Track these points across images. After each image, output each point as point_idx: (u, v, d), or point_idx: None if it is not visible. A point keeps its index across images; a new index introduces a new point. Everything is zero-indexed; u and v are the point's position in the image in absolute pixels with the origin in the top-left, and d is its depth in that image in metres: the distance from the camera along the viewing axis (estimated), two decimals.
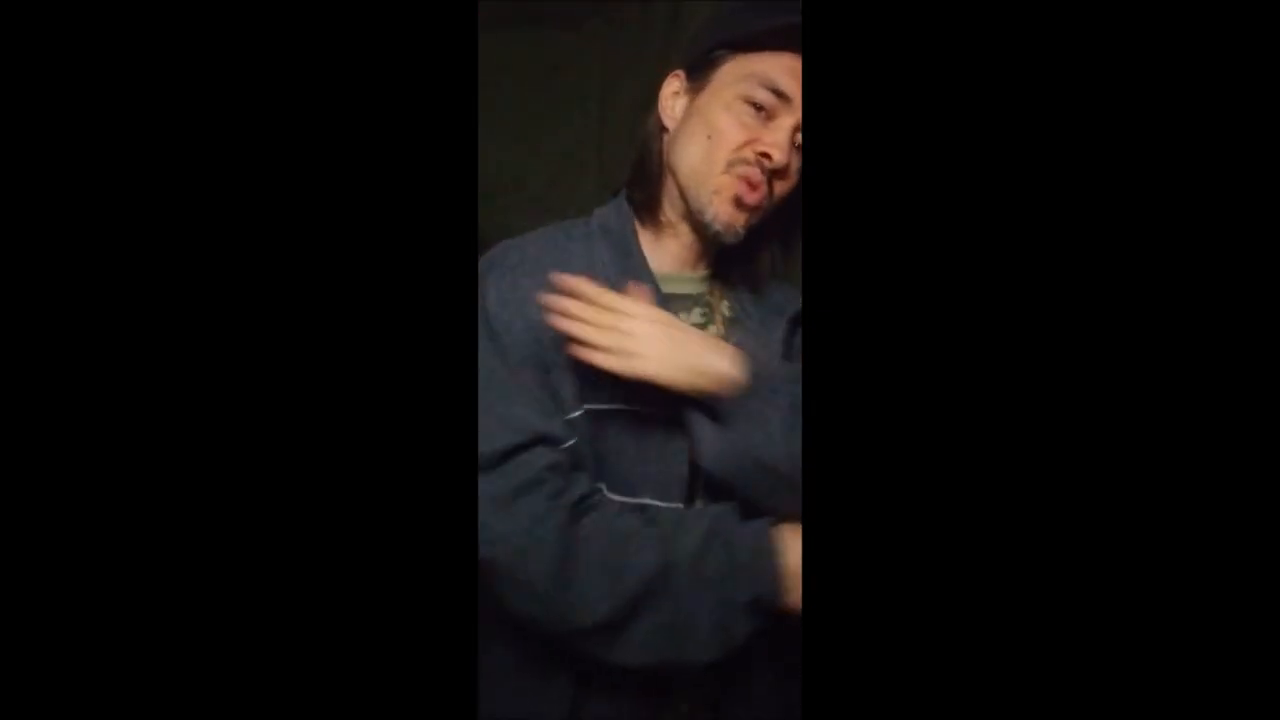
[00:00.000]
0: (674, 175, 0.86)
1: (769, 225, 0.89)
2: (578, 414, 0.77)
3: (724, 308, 0.90)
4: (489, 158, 0.92)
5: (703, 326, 0.86)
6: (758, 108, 0.81)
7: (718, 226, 0.83)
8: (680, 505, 0.78)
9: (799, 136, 0.82)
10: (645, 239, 0.88)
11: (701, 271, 0.90)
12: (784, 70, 0.81)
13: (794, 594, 0.72)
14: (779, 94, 0.81)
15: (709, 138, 0.82)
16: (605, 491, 0.78)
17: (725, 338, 0.86)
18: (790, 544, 0.73)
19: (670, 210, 0.87)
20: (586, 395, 0.78)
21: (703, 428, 0.76)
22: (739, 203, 0.82)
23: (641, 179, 0.88)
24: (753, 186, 0.81)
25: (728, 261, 0.92)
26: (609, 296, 0.75)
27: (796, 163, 0.84)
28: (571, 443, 0.76)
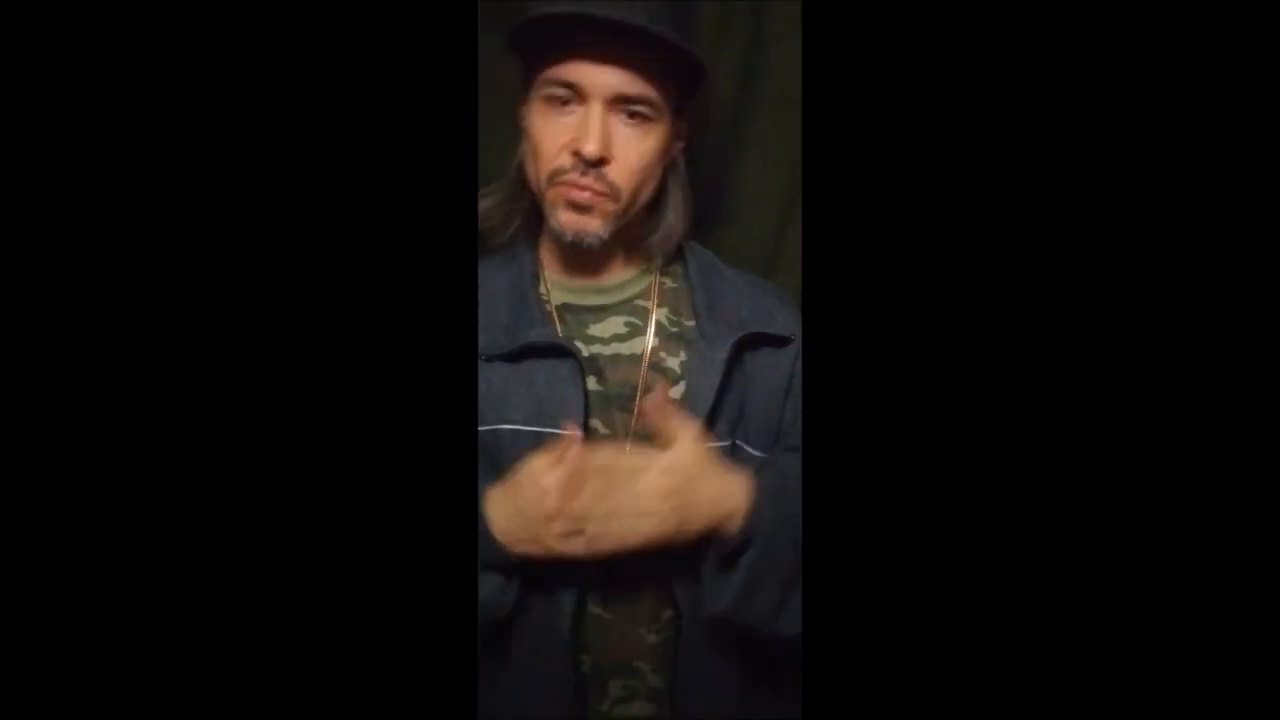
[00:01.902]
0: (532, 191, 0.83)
1: (657, 201, 0.84)
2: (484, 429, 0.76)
3: (662, 316, 0.85)
4: (489, 157, 0.92)
5: (626, 339, 0.83)
6: (561, 104, 0.77)
7: (570, 237, 0.79)
8: None
9: (615, 113, 0.77)
10: (549, 258, 0.85)
11: (629, 273, 0.86)
12: (571, 62, 0.76)
13: (508, 535, 0.70)
14: (569, 86, 0.76)
15: (531, 152, 0.80)
16: None
17: (661, 350, 0.83)
18: (493, 503, 0.72)
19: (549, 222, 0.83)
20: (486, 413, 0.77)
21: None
22: (574, 206, 0.78)
23: (509, 197, 0.85)
24: (577, 188, 0.77)
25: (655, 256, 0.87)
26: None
27: (639, 137, 0.78)
28: None
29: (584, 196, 0.78)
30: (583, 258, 0.84)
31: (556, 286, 0.85)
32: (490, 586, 0.73)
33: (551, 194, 0.79)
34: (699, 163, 1.06)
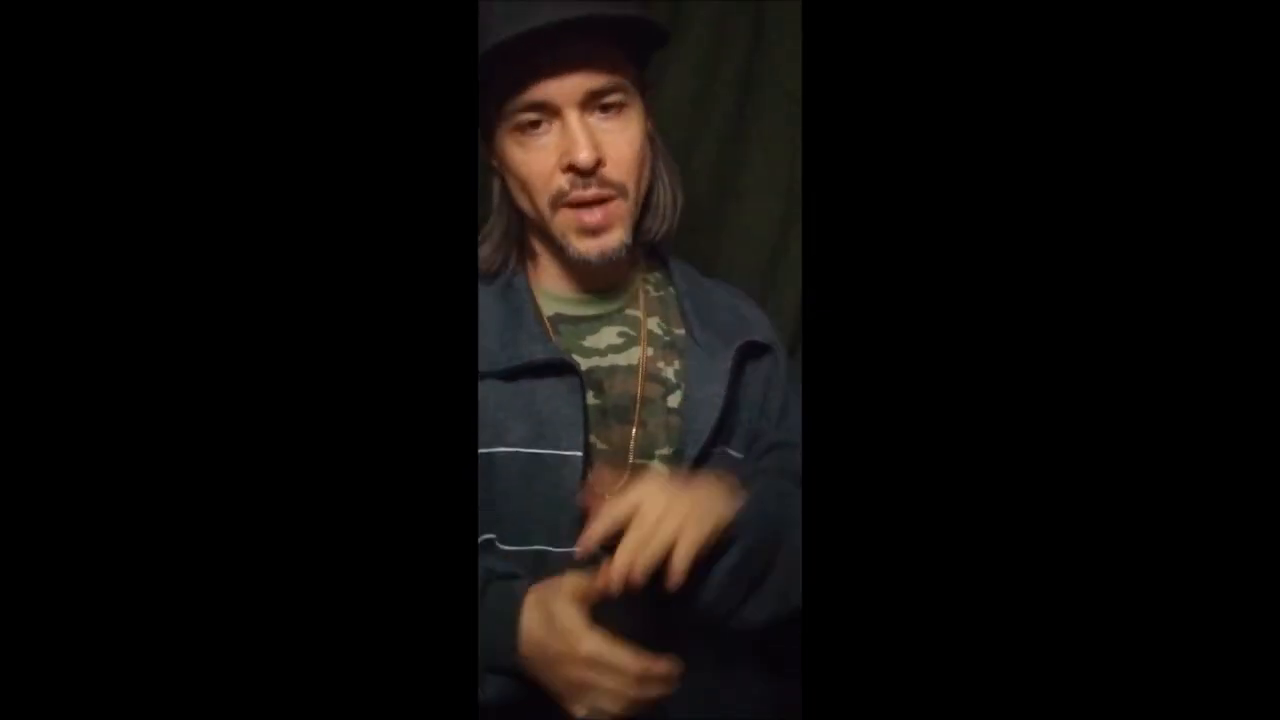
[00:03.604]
0: (529, 224, 0.80)
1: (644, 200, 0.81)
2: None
3: (654, 325, 0.83)
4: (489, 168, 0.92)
5: (621, 349, 0.81)
6: (533, 126, 0.74)
7: (596, 261, 0.76)
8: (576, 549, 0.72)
9: (591, 113, 0.74)
10: (535, 272, 0.83)
11: (609, 286, 0.83)
12: (530, 84, 0.73)
13: (528, 659, 0.67)
14: (538, 106, 0.73)
15: (522, 190, 0.77)
16: (496, 543, 0.74)
17: (657, 360, 0.81)
18: (529, 615, 0.68)
19: (539, 242, 0.81)
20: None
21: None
22: (591, 232, 0.75)
23: (500, 233, 0.82)
24: (587, 205, 0.74)
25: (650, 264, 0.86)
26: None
27: (621, 126, 0.76)
28: None
29: (596, 216, 0.75)
30: (585, 270, 0.81)
31: (548, 298, 0.82)
32: (492, 690, 0.69)
33: (559, 221, 0.76)
34: (698, 161, 1.07)
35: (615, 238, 0.76)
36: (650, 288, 0.86)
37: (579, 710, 0.67)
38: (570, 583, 0.68)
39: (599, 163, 0.74)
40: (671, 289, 0.86)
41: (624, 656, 0.66)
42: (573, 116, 0.73)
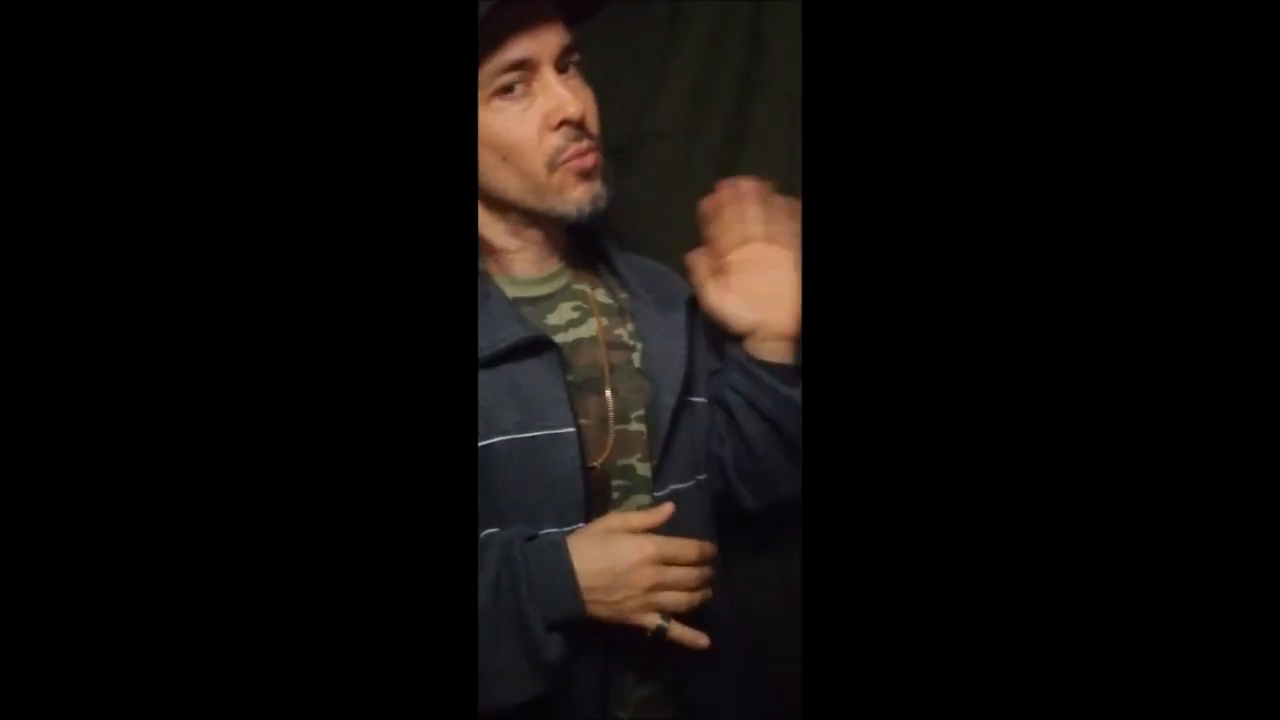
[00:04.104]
0: (497, 204, 0.80)
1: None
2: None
3: (601, 296, 0.85)
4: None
5: (580, 322, 0.82)
6: (508, 91, 0.75)
7: (589, 209, 0.78)
8: (581, 525, 0.75)
9: (562, 66, 0.76)
10: (496, 263, 0.83)
11: (558, 262, 0.85)
12: (508, 42, 0.73)
13: (591, 591, 0.71)
14: (518, 66, 0.74)
15: (505, 159, 0.77)
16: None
17: (611, 328, 0.84)
18: (581, 553, 0.71)
19: (502, 230, 0.82)
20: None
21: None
22: (586, 176, 0.77)
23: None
24: (582, 155, 0.76)
25: (577, 243, 0.87)
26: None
27: (580, 82, 0.79)
28: None
29: (588, 162, 0.77)
30: (529, 249, 0.82)
31: (505, 284, 0.82)
32: (554, 650, 0.71)
33: (555, 180, 0.77)
34: (698, 161, 1.07)
35: (598, 187, 0.79)
36: (586, 262, 0.88)
37: (651, 619, 0.72)
38: (607, 518, 0.74)
39: (584, 114, 0.77)
40: (601, 262, 0.89)
41: (685, 544, 0.73)
42: (549, 73, 0.75)
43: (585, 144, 0.77)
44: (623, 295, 0.87)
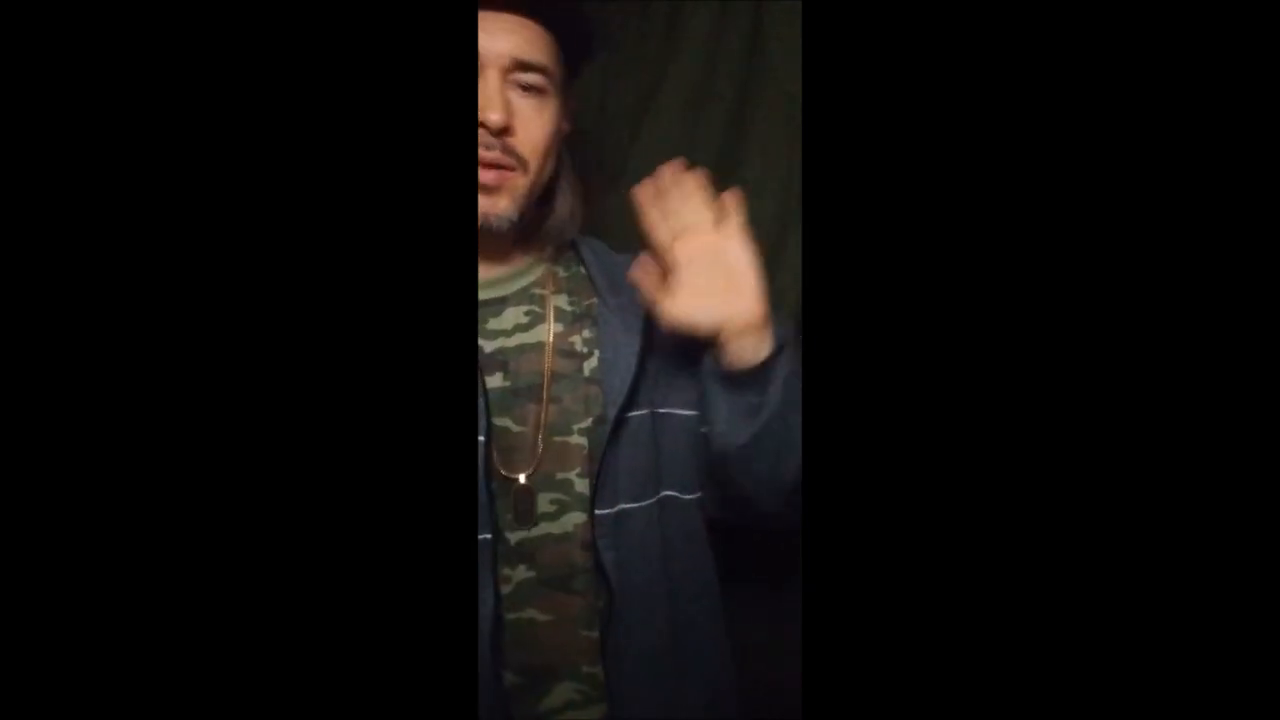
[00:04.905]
0: None
1: (554, 182, 0.82)
2: None
3: (561, 302, 0.82)
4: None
5: (528, 327, 0.80)
6: None
7: (479, 221, 0.75)
8: (487, 536, 0.73)
9: (510, 85, 0.75)
10: None
11: (521, 264, 0.83)
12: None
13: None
14: None
15: None
16: None
17: (566, 335, 0.81)
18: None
19: None
20: None
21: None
22: (483, 190, 0.74)
23: None
24: (484, 165, 0.74)
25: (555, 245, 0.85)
26: None
27: (536, 109, 0.77)
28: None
29: (491, 176, 0.74)
30: (483, 248, 0.80)
31: None
32: None
33: None
34: (698, 161, 1.07)
35: (503, 205, 0.76)
36: (560, 269, 0.85)
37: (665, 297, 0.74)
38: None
39: (507, 129, 0.74)
40: (581, 268, 0.86)
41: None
42: (493, 77, 0.74)
43: (495, 155, 0.74)
44: (589, 301, 0.83)
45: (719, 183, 1.08)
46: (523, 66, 0.75)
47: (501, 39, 0.74)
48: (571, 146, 0.86)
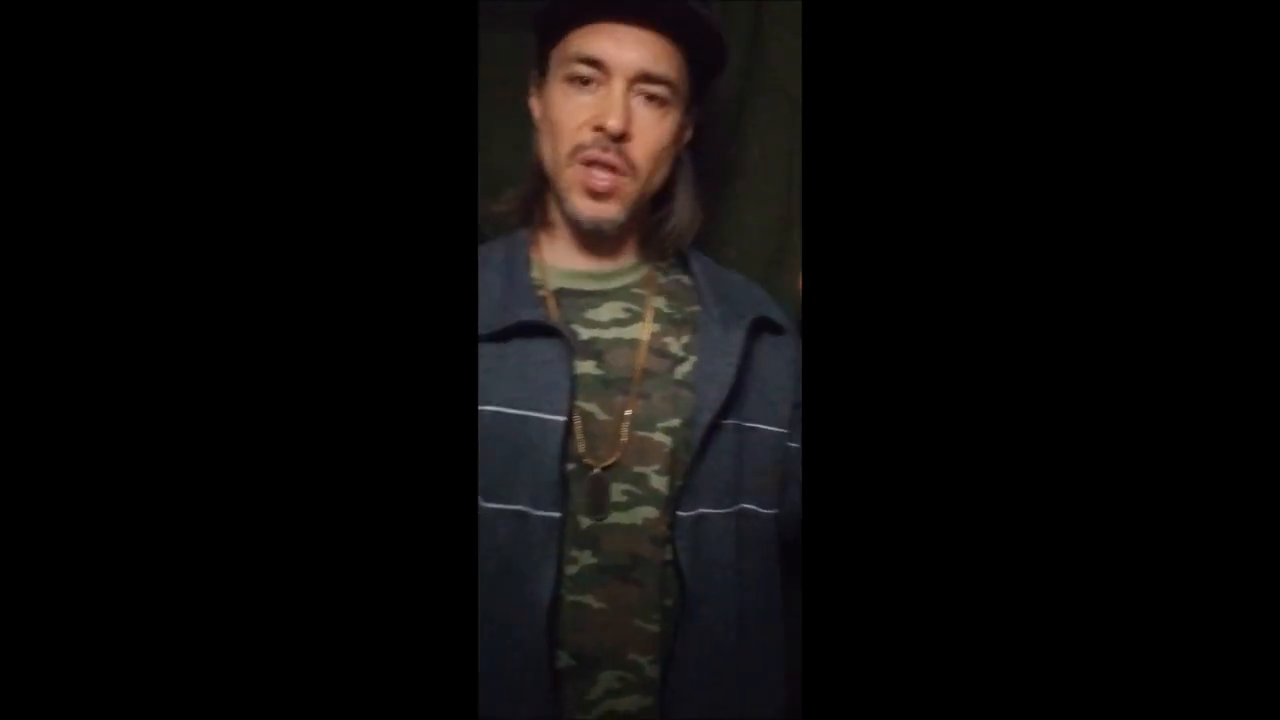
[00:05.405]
0: (546, 177, 0.84)
1: (669, 187, 0.86)
2: None
3: (660, 304, 0.85)
4: (489, 157, 0.91)
5: (626, 324, 0.83)
6: (583, 83, 0.79)
7: (585, 224, 0.81)
8: (556, 514, 0.75)
9: (635, 93, 0.79)
10: (547, 245, 0.86)
11: (625, 263, 0.86)
12: (594, 39, 0.78)
13: None
14: (594, 63, 0.78)
15: (549, 131, 0.81)
16: (480, 500, 0.75)
17: (662, 335, 0.83)
18: None
19: (556, 210, 0.85)
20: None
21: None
22: (593, 193, 0.79)
23: (528, 187, 0.87)
24: (601, 167, 0.78)
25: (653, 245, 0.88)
26: None
27: (657, 118, 0.80)
28: None
29: (603, 183, 0.79)
30: (589, 243, 0.84)
31: (553, 272, 0.85)
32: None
33: (569, 175, 0.80)
34: (698, 160, 1.07)
35: (612, 209, 0.80)
36: (661, 275, 0.88)
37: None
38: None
39: (625, 135, 0.78)
40: (686, 276, 0.89)
41: None
42: (619, 85, 0.78)
43: (610, 158, 0.78)
44: (691, 309, 0.86)
45: (719, 183, 1.09)
46: (648, 78, 0.79)
47: (630, 50, 0.78)
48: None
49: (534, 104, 0.86)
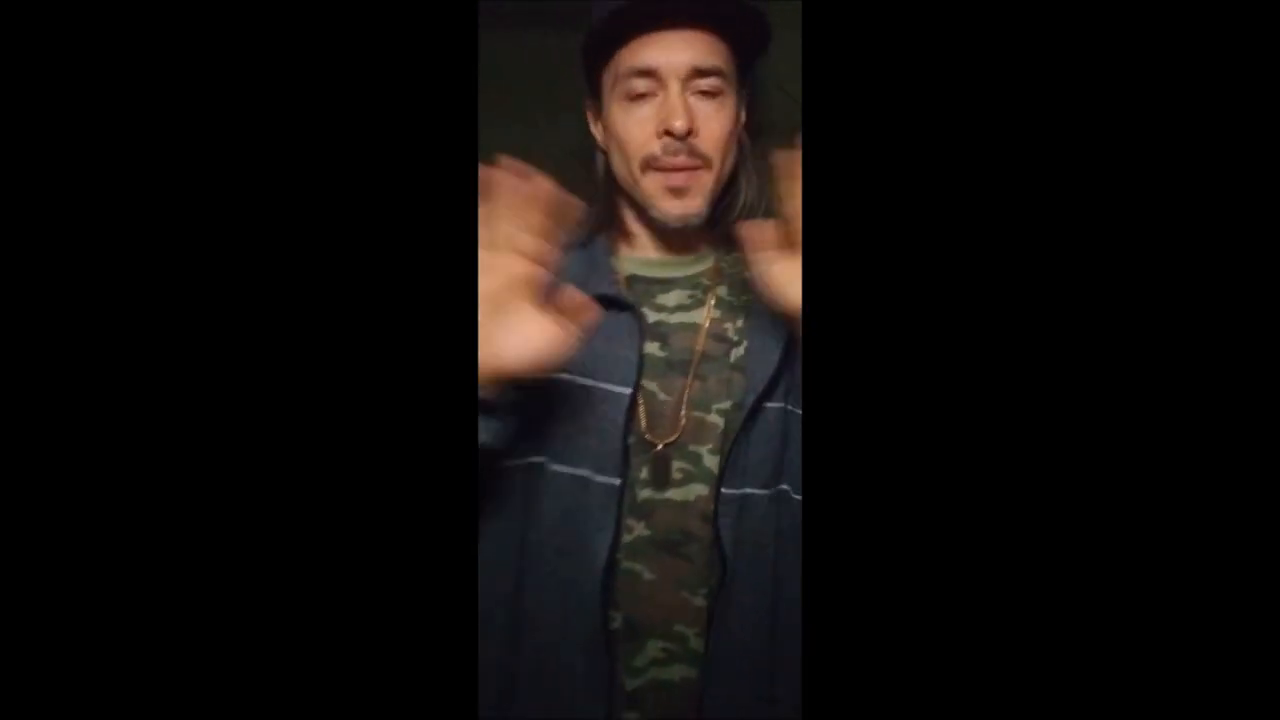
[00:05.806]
0: (620, 192, 0.89)
1: (736, 169, 0.89)
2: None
3: (723, 291, 0.90)
4: (489, 157, 0.92)
5: (689, 309, 0.88)
6: (640, 96, 0.83)
7: (673, 223, 0.85)
8: (616, 481, 0.79)
9: (690, 90, 0.82)
10: (625, 251, 0.91)
11: (693, 255, 0.92)
12: (641, 52, 0.82)
13: None
14: (647, 73, 0.82)
15: (617, 150, 0.85)
16: (548, 463, 0.80)
17: (721, 321, 0.87)
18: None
19: (633, 219, 0.90)
20: None
21: None
22: (675, 193, 0.84)
23: (601, 207, 0.91)
24: (675, 170, 0.82)
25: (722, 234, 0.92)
26: None
27: (715, 109, 0.84)
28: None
29: (680, 179, 0.83)
30: (666, 242, 0.89)
31: (628, 262, 0.90)
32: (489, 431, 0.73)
33: (646, 184, 0.84)
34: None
35: (695, 203, 0.84)
36: (726, 265, 0.92)
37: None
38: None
39: (691, 131, 0.82)
40: (745, 267, 0.92)
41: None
42: (675, 87, 0.82)
43: (682, 159, 0.82)
44: (748, 296, 0.89)
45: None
46: (700, 73, 0.82)
47: (678, 52, 0.82)
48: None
49: (595, 129, 0.91)
